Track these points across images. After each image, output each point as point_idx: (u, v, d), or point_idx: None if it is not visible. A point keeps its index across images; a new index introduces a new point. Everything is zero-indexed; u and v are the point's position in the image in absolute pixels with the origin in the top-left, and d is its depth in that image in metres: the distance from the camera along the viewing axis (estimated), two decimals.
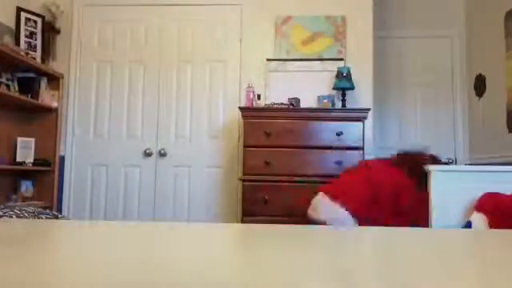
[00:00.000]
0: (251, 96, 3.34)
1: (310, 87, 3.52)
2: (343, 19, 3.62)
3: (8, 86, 3.19)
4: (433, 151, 4.09)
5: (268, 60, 3.61)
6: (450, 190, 2.48)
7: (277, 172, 3.02)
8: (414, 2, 4.37)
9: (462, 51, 4.27)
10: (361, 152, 3.01)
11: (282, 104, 3.30)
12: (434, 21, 4.34)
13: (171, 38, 3.75)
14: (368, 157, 3.38)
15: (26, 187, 3.44)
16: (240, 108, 3.23)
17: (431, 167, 2.65)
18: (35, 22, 3.64)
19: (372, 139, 3.53)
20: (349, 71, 3.33)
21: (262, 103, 3.47)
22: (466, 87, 4.21)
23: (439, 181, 2.55)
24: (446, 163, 3.43)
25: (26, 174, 3.48)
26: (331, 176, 2.88)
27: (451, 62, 4.30)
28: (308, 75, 3.57)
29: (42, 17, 3.69)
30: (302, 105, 3.42)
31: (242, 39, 3.68)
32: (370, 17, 3.63)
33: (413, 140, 4.25)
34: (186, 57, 3.72)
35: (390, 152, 4.24)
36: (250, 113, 3.17)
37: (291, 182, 2.99)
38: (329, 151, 3.01)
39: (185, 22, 3.76)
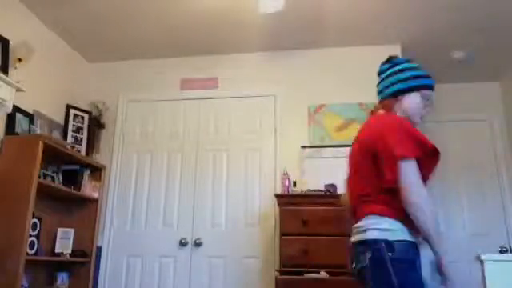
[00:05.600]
0: (287, 183, 3.32)
1: (345, 173, 3.46)
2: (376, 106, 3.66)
3: (53, 177, 3.32)
4: (484, 238, 3.83)
5: (302, 147, 3.63)
6: (508, 284, 2.26)
7: (316, 262, 2.88)
8: (448, 88, 4.42)
9: (502, 133, 4.18)
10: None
11: (319, 191, 3.25)
12: (469, 104, 4.33)
13: (208, 128, 3.89)
14: None
15: (62, 279, 3.42)
16: (276, 195, 3.20)
17: (483, 256, 2.44)
18: (82, 117, 3.89)
19: None
20: None
21: (297, 190, 3.43)
22: None
23: (494, 272, 2.33)
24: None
25: (62, 265, 3.47)
26: None
27: (492, 144, 4.19)
28: (343, 161, 3.53)
29: (89, 113, 3.95)
30: (339, 191, 3.35)
31: (276, 128, 3.77)
32: None
33: (460, 228, 4.03)
34: (222, 146, 3.82)
35: None
36: (286, 200, 3.12)
37: (333, 275, 2.82)
38: None
39: (221, 112, 3.91)
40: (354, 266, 1.63)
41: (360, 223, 1.63)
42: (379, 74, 1.95)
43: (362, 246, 1.58)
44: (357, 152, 1.78)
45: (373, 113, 2.05)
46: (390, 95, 1.81)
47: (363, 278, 1.57)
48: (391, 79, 1.81)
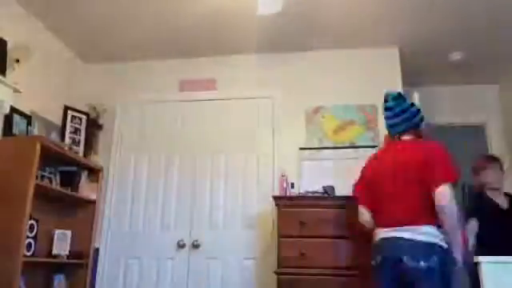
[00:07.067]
0: (285, 185, 3.32)
1: (344, 175, 3.47)
2: (374, 108, 3.67)
3: (50, 179, 3.31)
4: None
5: (301, 149, 3.64)
6: (505, 285, 2.25)
7: (314, 264, 2.88)
8: (447, 90, 4.44)
9: (500, 136, 4.19)
10: None
11: (316, 192, 3.25)
12: (468, 107, 4.34)
13: (206, 129, 3.88)
14: None
15: (59, 281, 3.41)
16: (274, 197, 3.20)
17: (481, 258, 2.43)
18: (80, 119, 3.88)
19: None
20: None
21: (295, 192, 3.43)
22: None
23: (490, 274, 2.33)
24: None
25: (60, 267, 3.46)
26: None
27: (490, 146, 4.20)
28: (341, 163, 3.55)
29: (87, 114, 3.94)
30: (337, 193, 3.36)
31: (274, 129, 3.77)
32: None
33: None
34: (220, 147, 3.81)
35: None
36: (284, 201, 3.12)
37: (331, 276, 2.82)
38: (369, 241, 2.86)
39: (219, 114, 3.91)
40: None
41: None
42: (388, 109, 2.36)
43: None
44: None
45: (390, 140, 2.44)
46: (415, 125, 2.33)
47: None
48: (412, 111, 2.32)
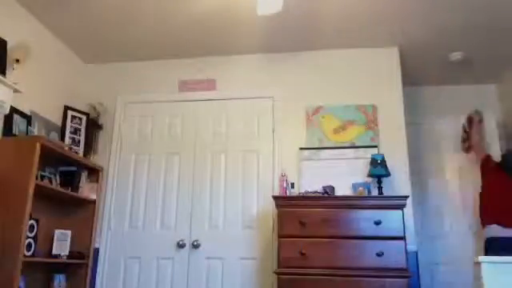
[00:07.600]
0: (285, 185, 3.32)
1: (344, 175, 3.48)
2: (374, 108, 3.67)
3: (50, 179, 3.32)
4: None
5: (301, 149, 3.64)
6: (505, 285, 2.26)
7: (314, 264, 2.88)
8: (446, 90, 4.44)
9: (499, 135, 4.19)
10: (402, 242, 2.85)
11: (316, 192, 3.25)
12: (466, 106, 4.34)
13: (206, 130, 3.89)
14: (410, 247, 3.20)
15: (59, 281, 3.41)
16: (274, 197, 3.20)
17: (480, 258, 2.45)
18: (80, 119, 3.88)
19: (413, 228, 3.36)
20: (383, 158, 3.30)
21: (295, 192, 3.43)
22: None
23: (491, 274, 2.34)
24: None
25: (60, 267, 3.46)
26: (374, 269, 2.72)
27: (489, 146, 4.20)
28: (341, 163, 3.55)
29: (87, 114, 3.94)
30: (337, 193, 3.36)
31: (274, 129, 3.77)
32: (400, 105, 3.67)
33: (466, 227, 4.02)
34: (220, 147, 3.81)
35: (433, 242, 4.02)
36: (284, 201, 3.12)
37: (331, 276, 2.82)
38: (369, 242, 2.87)
39: (219, 114, 3.91)
40: None
41: None
42: None
43: None
44: None
45: None
46: None
47: None
48: None
